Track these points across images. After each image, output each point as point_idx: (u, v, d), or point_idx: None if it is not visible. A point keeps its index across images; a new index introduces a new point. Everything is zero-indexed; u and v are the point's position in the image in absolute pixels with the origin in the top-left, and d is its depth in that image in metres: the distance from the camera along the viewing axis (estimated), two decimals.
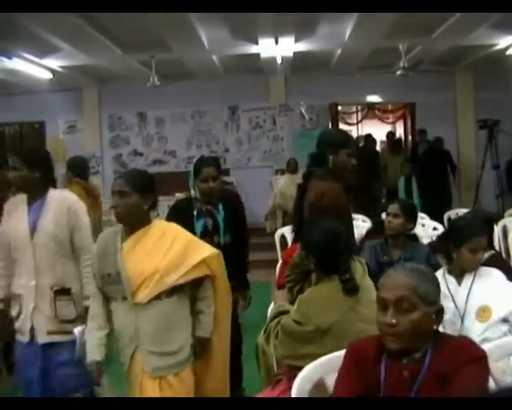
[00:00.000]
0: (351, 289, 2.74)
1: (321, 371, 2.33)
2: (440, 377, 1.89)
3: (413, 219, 4.15)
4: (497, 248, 5.12)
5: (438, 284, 2.05)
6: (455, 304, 3.07)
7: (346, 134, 4.16)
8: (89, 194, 5.62)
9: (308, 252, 2.96)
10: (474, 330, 2.97)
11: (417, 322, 1.93)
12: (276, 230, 7.05)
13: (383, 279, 2.06)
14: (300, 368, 2.45)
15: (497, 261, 3.52)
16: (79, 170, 5.79)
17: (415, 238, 4.16)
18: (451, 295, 3.10)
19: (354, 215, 5.93)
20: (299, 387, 2.26)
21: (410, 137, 12.58)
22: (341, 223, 3.29)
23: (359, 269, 2.90)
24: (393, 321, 1.94)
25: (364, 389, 1.99)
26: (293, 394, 2.24)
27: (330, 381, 2.26)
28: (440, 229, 6.09)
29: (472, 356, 1.90)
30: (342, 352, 2.17)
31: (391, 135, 12.38)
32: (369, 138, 11.96)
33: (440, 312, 2.00)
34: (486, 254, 3.39)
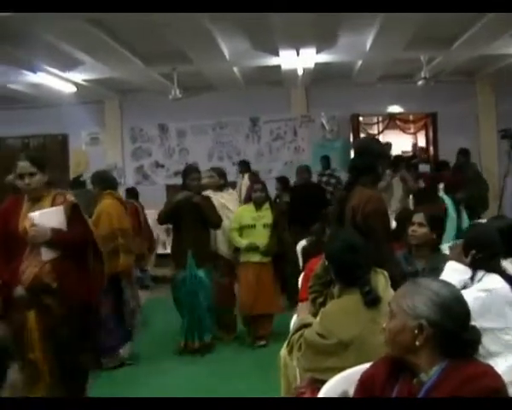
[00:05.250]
0: (371, 301, 2.76)
1: (345, 383, 2.32)
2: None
3: (438, 230, 4.10)
4: None
5: (435, 301, 1.94)
6: None
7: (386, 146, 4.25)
8: (122, 203, 5.95)
9: (328, 263, 3.00)
10: None
11: (393, 330, 1.97)
12: None
13: None
14: (323, 381, 2.45)
15: None
16: (108, 182, 5.97)
17: (438, 249, 4.11)
18: None
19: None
20: None
21: (431, 148, 12.49)
22: (383, 231, 3.43)
23: (382, 281, 2.91)
24: (383, 325, 2.04)
25: None
26: None
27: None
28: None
29: (484, 388, 1.82)
30: (366, 365, 2.17)
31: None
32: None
33: (423, 329, 1.91)
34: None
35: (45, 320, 3.88)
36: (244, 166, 10.70)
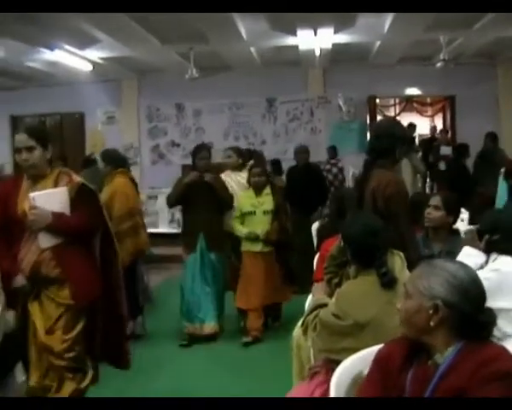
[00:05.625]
0: (388, 282, 2.75)
1: (360, 364, 2.32)
2: (456, 391, 1.81)
3: (454, 213, 4.09)
4: None
5: (452, 283, 1.93)
6: None
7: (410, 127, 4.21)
8: (133, 183, 5.92)
9: (346, 245, 3.00)
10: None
11: (409, 311, 1.97)
12: None
13: None
14: (338, 362, 2.45)
15: None
16: (119, 161, 5.92)
17: (456, 232, 4.10)
18: None
19: None
20: (338, 380, 2.26)
21: (449, 131, 12.39)
22: (404, 214, 3.43)
23: (398, 262, 2.90)
24: (398, 305, 2.05)
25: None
26: (332, 387, 2.24)
27: None
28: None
29: (497, 371, 1.80)
30: (381, 346, 2.17)
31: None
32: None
33: (438, 309, 1.90)
34: None
35: (47, 314, 3.47)
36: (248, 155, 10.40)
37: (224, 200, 5.78)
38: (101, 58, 9.98)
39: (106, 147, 11.71)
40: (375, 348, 2.27)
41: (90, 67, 10.17)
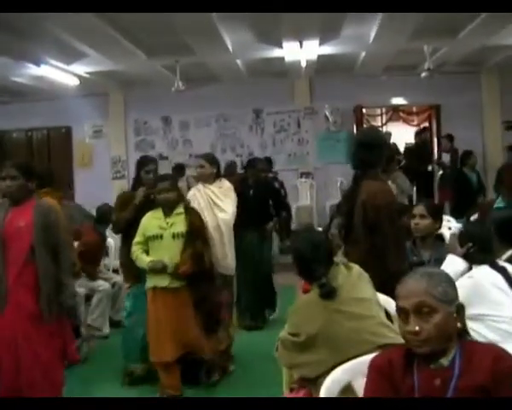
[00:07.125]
0: (326, 293, 2.74)
1: (348, 375, 2.33)
2: (477, 388, 1.85)
3: (439, 219, 4.14)
4: None
5: (454, 283, 2.02)
6: None
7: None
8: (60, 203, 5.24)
9: (292, 260, 3.02)
10: None
11: (442, 324, 1.91)
12: None
13: (398, 288, 2.01)
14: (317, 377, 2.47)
15: None
16: (51, 179, 5.51)
17: (442, 238, 4.14)
18: None
19: None
20: (328, 391, 2.26)
21: (435, 140, 12.46)
22: (392, 223, 3.49)
23: (343, 272, 2.87)
24: (417, 328, 1.91)
25: None
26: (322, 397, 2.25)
27: (358, 385, 2.26)
28: None
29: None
30: (369, 356, 2.16)
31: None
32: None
33: (461, 308, 1.97)
34: None
35: None
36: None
37: None
38: (88, 72, 9.98)
39: (93, 161, 11.84)
40: (361, 359, 2.29)
41: (76, 82, 10.16)
